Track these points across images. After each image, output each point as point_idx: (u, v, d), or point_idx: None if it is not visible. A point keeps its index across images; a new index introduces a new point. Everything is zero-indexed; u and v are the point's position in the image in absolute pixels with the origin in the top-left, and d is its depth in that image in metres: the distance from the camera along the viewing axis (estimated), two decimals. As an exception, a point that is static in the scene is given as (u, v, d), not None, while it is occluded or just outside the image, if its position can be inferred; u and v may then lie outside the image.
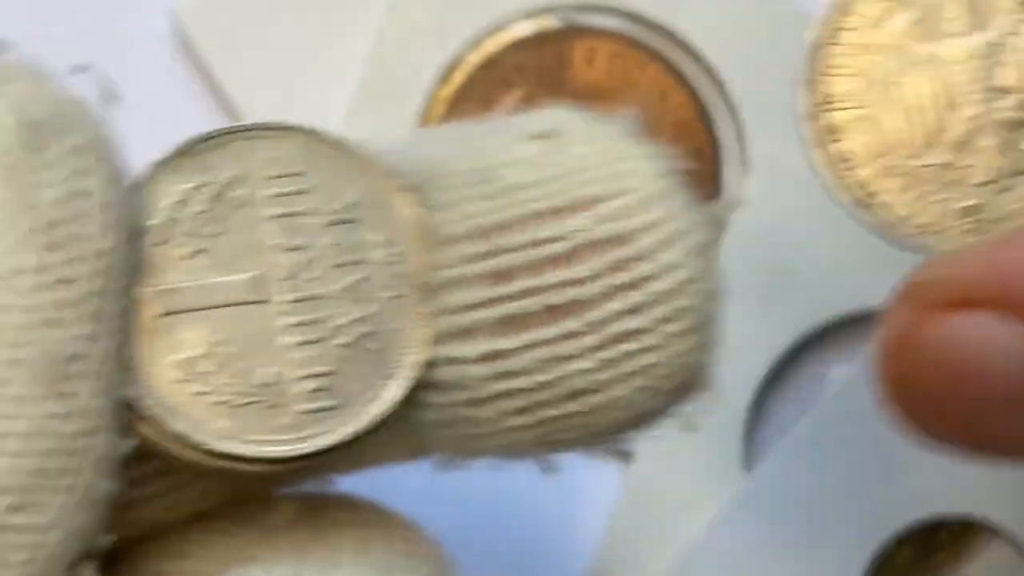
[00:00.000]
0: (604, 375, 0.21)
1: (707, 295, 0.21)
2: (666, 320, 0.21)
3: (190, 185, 0.21)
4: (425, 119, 0.32)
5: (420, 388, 0.21)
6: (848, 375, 0.33)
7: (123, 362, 0.21)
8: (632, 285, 0.21)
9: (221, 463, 0.21)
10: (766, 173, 0.33)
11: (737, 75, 0.33)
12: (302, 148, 0.21)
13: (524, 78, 0.33)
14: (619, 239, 0.21)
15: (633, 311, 0.21)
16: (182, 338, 0.21)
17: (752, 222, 0.33)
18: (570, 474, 0.32)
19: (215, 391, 0.21)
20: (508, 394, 0.21)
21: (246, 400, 0.21)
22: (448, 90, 0.32)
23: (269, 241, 0.21)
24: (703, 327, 0.21)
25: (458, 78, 0.32)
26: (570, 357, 0.21)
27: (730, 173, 0.33)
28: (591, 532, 0.32)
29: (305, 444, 0.21)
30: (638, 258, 0.21)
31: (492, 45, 0.33)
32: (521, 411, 0.21)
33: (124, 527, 0.22)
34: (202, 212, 0.21)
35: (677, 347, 0.21)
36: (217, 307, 0.21)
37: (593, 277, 0.21)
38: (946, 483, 0.31)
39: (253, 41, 0.32)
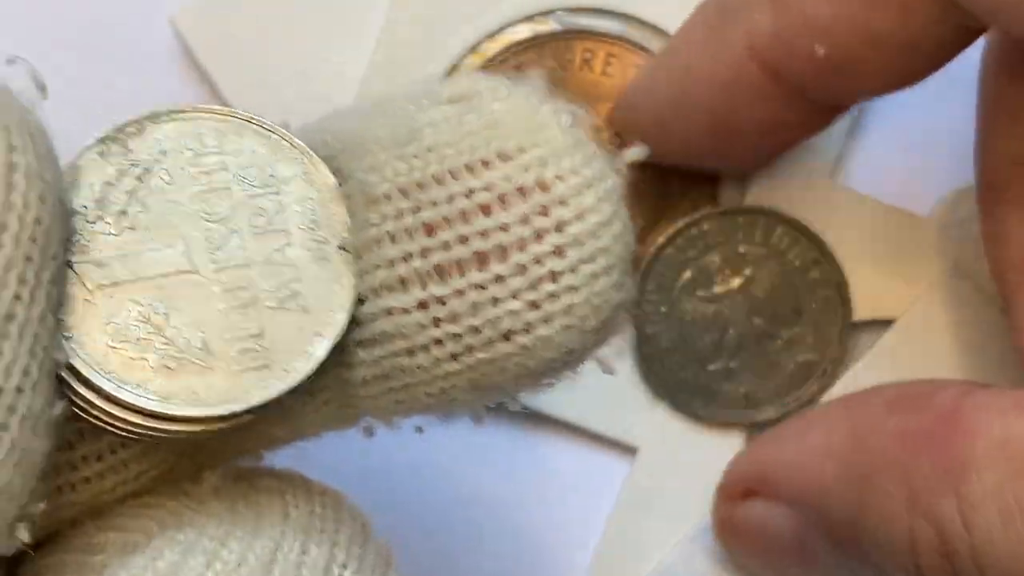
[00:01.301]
0: (531, 315, 0.22)
1: (620, 236, 0.23)
2: (585, 260, 0.22)
3: (115, 168, 0.23)
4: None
5: (353, 345, 0.23)
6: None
7: (58, 328, 0.22)
8: (552, 228, 0.22)
9: (156, 424, 0.22)
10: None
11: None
12: (216, 127, 0.23)
13: (524, 80, 0.33)
14: (538, 186, 0.22)
15: (554, 253, 0.22)
16: (115, 307, 0.22)
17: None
18: (572, 471, 0.32)
19: (148, 355, 0.22)
20: (443, 340, 0.23)
21: (178, 363, 0.22)
22: (449, 92, 0.33)
23: (193, 215, 0.23)
24: (618, 267, 0.23)
25: (458, 80, 0.33)
26: (499, 299, 0.22)
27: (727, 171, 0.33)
28: (593, 529, 0.32)
29: (236, 403, 0.22)
30: (556, 203, 0.22)
31: (492, 48, 0.33)
32: (455, 356, 0.23)
33: (63, 508, 0.24)
34: (128, 191, 0.23)
35: (596, 286, 0.22)
36: (147, 278, 0.22)
37: (516, 223, 0.22)
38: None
39: (251, 47, 0.33)
